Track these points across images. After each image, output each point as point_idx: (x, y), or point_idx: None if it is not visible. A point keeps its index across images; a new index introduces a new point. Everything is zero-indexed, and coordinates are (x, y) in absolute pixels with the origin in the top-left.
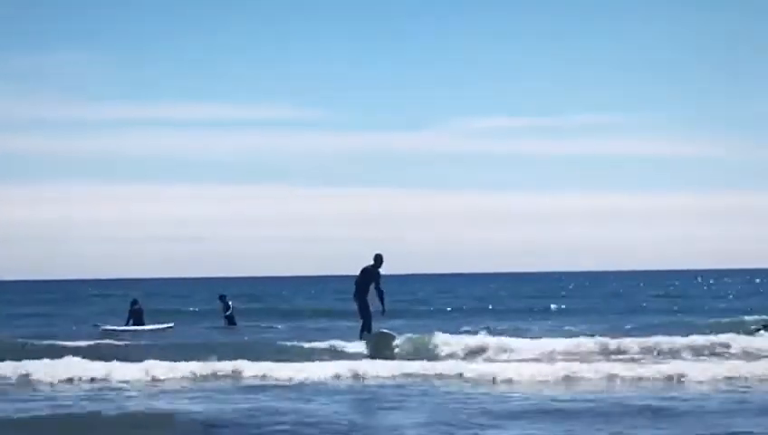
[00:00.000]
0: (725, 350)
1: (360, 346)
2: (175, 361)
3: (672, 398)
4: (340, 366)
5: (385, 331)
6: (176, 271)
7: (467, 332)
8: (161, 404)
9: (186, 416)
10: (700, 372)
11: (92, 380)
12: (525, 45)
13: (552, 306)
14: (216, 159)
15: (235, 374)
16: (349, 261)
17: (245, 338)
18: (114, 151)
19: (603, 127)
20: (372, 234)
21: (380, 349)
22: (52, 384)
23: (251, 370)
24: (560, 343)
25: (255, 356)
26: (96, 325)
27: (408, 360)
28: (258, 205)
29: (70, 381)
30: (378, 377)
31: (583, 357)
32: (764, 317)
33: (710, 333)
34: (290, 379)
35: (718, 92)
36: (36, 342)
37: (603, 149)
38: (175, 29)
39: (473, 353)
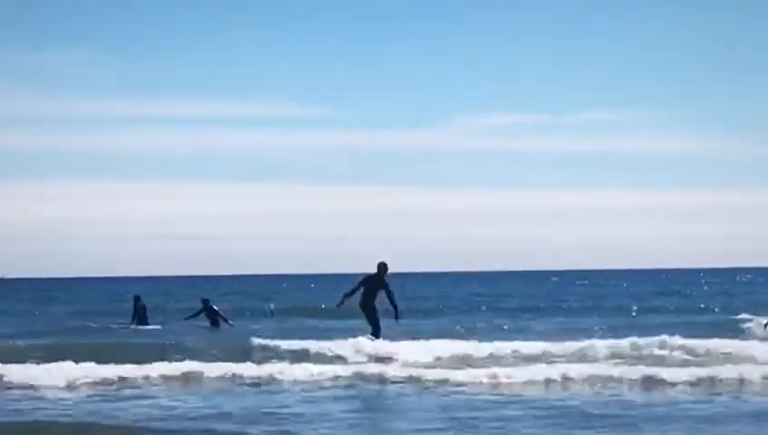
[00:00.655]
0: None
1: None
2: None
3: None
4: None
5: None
6: (178, 269)
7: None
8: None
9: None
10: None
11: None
12: (529, 44)
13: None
14: (220, 156)
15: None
16: (354, 259)
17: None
18: (115, 149)
19: (606, 124)
20: (377, 232)
21: None
22: None
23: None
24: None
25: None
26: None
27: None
28: (263, 203)
29: None
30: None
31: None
32: None
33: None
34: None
35: (721, 90)
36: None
37: (607, 146)
38: (178, 27)
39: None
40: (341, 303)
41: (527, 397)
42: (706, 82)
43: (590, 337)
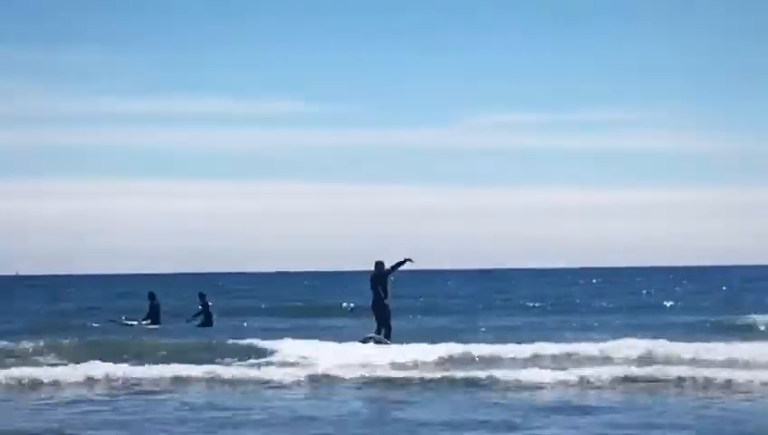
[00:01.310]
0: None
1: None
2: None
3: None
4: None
5: (374, 335)
6: (188, 267)
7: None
8: None
9: None
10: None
11: None
12: (540, 41)
13: (532, 304)
14: (230, 154)
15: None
16: (364, 257)
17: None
18: (127, 147)
19: (620, 123)
20: (386, 230)
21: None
22: None
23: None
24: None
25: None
26: (112, 320)
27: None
28: (272, 202)
29: None
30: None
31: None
32: None
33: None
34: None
35: (738, 87)
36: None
37: (621, 144)
38: (190, 26)
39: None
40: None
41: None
42: (726, 79)
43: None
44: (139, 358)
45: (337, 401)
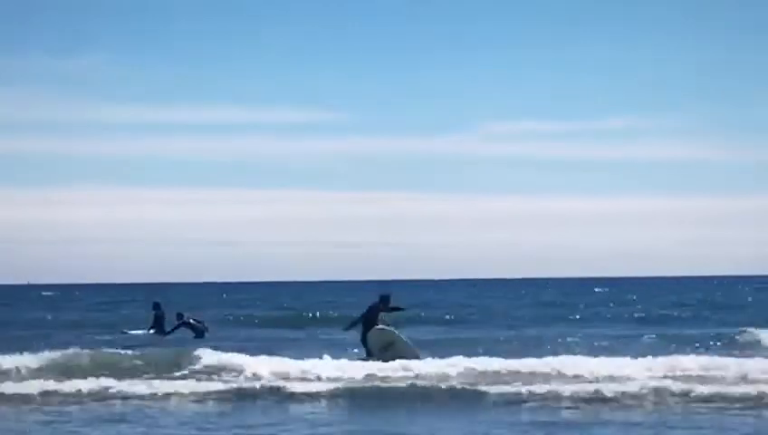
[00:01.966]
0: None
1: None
2: None
3: None
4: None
5: (383, 327)
6: (201, 276)
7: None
8: None
9: None
10: None
11: None
12: (554, 50)
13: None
14: (245, 163)
15: None
16: (376, 265)
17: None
18: (138, 155)
19: (634, 131)
20: (400, 238)
21: (382, 345)
22: None
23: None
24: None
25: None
26: (123, 332)
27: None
28: (285, 209)
29: None
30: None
31: None
32: None
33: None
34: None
35: (750, 95)
36: None
37: (635, 152)
38: (200, 33)
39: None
40: (349, 327)
41: None
42: (738, 86)
43: None
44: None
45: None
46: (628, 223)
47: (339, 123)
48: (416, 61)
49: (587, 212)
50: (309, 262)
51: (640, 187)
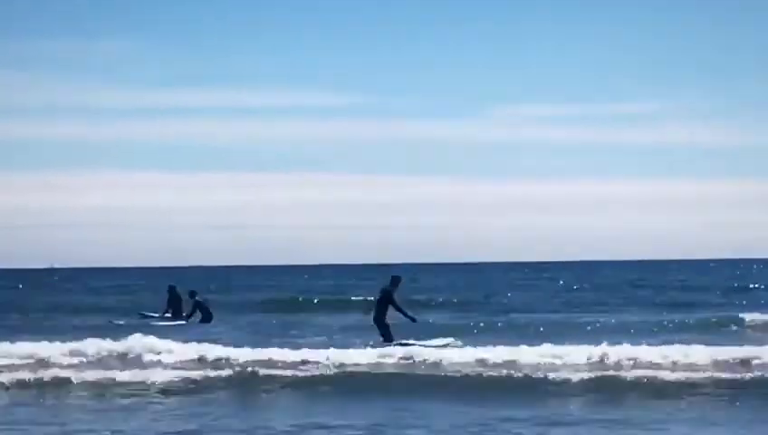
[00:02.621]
0: None
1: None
2: None
3: None
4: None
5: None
6: (214, 259)
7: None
8: None
9: None
10: None
11: None
12: (573, 33)
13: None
14: (261, 147)
15: None
16: (394, 249)
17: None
18: (157, 139)
19: (655, 115)
20: (414, 221)
21: None
22: None
23: None
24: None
25: None
26: (142, 314)
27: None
28: (299, 193)
29: None
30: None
31: None
32: None
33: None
34: None
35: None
36: None
37: (656, 136)
38: (220, 19)
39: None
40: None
41: None
42: (759, 71)
43: None
44: None
45: None
46: (651, 207)
47: (346, 106)
48: (432, 45)
49: (608, 195)
50: (327, 245)
51: (660, 169)
